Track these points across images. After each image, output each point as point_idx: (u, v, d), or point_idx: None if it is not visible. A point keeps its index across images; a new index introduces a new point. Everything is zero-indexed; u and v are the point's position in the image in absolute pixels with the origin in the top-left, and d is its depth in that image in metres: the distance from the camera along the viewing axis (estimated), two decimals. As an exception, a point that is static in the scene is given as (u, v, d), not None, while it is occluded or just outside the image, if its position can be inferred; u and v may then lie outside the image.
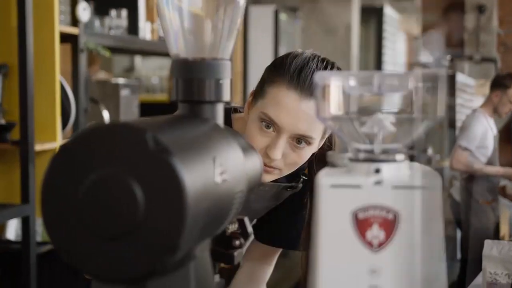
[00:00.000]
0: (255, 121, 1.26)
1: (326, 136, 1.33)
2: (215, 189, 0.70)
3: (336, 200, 0.71)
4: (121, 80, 3.19)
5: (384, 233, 0.69)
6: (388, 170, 0.71)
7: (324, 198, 0.72)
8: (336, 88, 0.74)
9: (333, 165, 0.79)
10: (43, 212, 0.67)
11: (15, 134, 2.44)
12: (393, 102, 0.76)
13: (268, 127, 1.24)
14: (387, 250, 0.69)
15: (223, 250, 0.82)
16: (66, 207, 0.65)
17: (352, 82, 0.73)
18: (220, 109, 0.85)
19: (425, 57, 5.56)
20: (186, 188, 0.63)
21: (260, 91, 1.29)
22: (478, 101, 8.45)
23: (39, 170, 2.45)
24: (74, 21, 2.70)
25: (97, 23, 2.96)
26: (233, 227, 0.86)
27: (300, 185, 1.44)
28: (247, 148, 0.89)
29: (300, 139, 1.24)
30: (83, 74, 2.72)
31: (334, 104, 0.74)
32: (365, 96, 0.75)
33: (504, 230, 4.62)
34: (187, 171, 0.64)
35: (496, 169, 4.45)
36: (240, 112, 1.45)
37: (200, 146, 0.71)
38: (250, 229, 0.86)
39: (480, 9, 9.44)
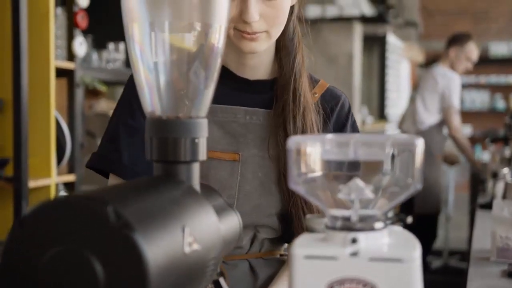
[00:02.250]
0: None
1: None
2: (184, 260, 0.67)
3: (310, 271, 0.68)
4: (119, 113, 3.16)
5: (359, 310, 0.66)
6: (366, 240, 0.68)
7: (298, 269, 0.68)
8: (310, 153, 0.71)
9: (311, 230, 0.76)
10: (1, 284, 0.64)
11: (8, 171, 2.42)
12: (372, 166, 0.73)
13: None
14: (362, 329, 0.66)
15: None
16: (25, 281, 0.62)
17: (327, 147, 0.70)
18: (196, 169, 0.82)
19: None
20: (148, 264, 0.59)
21: None
22: (404, 63, 8.51)
23: (32, 208, 2.42)
24: (71, 56, 2.69)
25: (94, 56, 2.95)
26: (207, 291, 0.83)
27: None
28: (224, 208, 0.86)
29: None
30: (79, 109, 2.70)
31: (309, 170, 0.71)
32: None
33: None
34: (151, 246, 0.61)
35: (474, 156, 4.66)
36: None
37: (168, 215, 0.68)
38: (226, 289, 0.83)
39: None
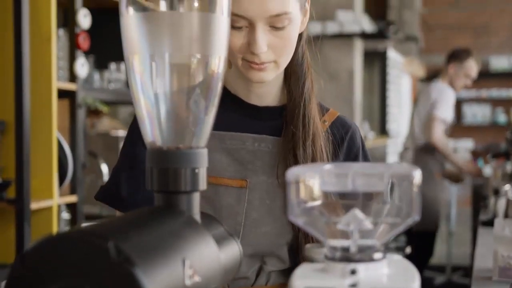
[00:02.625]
0: None
1: (306, 4, 1.22)
2: (185, 292, 0.67)
3: (310, 303, 0.68)
4: (121, 133, 3.19)
5: None
6: (365, 271, 0.69)
7: (298, 300, 0.69)
8: (309, 184, 0.71)
9: (310, 259, 0.77)
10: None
11: (10, 192, 2.43)
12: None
13: (239, 27, 1.14)
14: None
15: None
16: (26, 316, 0.63)
17: (326, 180, 0.71)
18: (196, 198, 0.82)
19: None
20: (149, 299, 0.60)
21: None
22: (405, 78, 8.53)
23: (35, 229, 2.43)
24: (73, 77, 2.70)
25: (96, 76, 2.97)
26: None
27: None
28: (224, 237, 0.86)
29: (277, 21, 1.13)
30: (81, 130, 2.72)
31: (308, 201, 0.72)
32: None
33: None
34: (152, 280, 0.62)
35: (460, 162, 4.63)
36: None
37: (169, 248, 0.69)
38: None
39: None
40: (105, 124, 3.70)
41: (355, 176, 0.70)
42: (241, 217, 1.19)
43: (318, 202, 0.72)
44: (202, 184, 0.82)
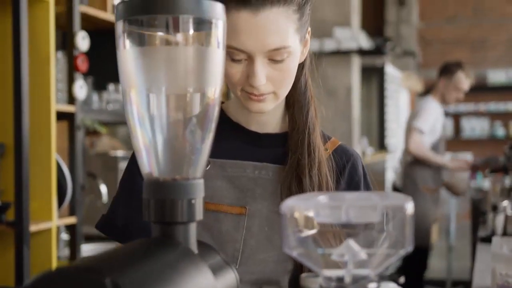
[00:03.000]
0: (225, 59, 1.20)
1: (307, 35, 1.22)
2: (182, 325, 0.68)
3: (306, 334, 0.69)
4: (120, 153, 3.20)
5: None
6: (360, 301, 0.70)
7: (294, 332, 0.70)
8: (304, 216, 0.72)
9: (306, 289, 0.78)
10: None
11: (10, 215, 2.44)
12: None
13: (239, 60, 1.14)
14: None
15: None
16: None
17: (321, 211, 0.72)
18: (193, 228, 0.84)
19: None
20: (146, 334, 0.61)
21: None
22: (404, 93, 8.55)
23: (34, 252, 2.43)
24: (71, 99, 2.72)
25: (95, 97, 2.99)
26: None
27: None
28: (221, 266, 0.87)
29: (276, 54, 1.13)
30: (79, 151, 2.73)
31: (302, 232, 0.73)
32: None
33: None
34: (149, 315, 0.63)
35: (444, 160, 4.54)
36: None
37: (165, 281, 0.70)
38: None
39: (401, 1, 9.61)
40: (104, 143, 3.72)
41: (349, 208, 0.72)
42: (239, 244, 1.19)
43: (312, 233, 0.74)
44: (199, 215, 0.83)
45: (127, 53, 0.82)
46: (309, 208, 0.72)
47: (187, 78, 0.82)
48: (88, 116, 2.80)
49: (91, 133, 3.47)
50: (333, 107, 5.45)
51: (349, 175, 1.29)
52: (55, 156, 2.56)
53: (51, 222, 2.54)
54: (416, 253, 4.38)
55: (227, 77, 1.15)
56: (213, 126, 0.86)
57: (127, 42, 0.81)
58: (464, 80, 4.49)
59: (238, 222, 1.20)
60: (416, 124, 4.33)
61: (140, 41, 0.82)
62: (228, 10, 1.11)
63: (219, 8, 0.82)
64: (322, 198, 0.74)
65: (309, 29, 1.25)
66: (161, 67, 0.82)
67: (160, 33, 0.87)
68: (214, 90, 0.84)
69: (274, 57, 1.13)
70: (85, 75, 2.84)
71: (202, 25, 0.82)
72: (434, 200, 4.50)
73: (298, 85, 1.24)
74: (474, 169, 6.69)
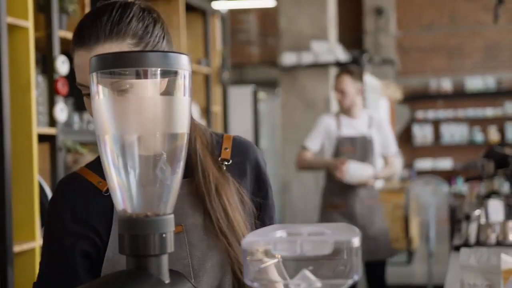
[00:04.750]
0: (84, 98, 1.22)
1: None
2: None
3: None
4: (101, 171, 3.25)
5: None
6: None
7: None
8: (262, 251, 0.80)
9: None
10: None
11: (-7, 236, 2.49)
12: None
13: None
14: None
15: None
16: None
17: (278, 246, 0.80)
18: (165, 260, 0.91)
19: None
20: None
21: None
22: (383, 101, 8.68)
23: (18, 273, 2.49)
24: (52, 121, 2.78)
25: (76, 118, 3.05)
26: None
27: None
28: (192, 292, 0.95)
29: (118, 86, 1.10)
30: (61, 172, 2.79)
31: (261, 265, 0.81)
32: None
33: None
34: None
35: (319, 160, 4.20)
36: None
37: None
38: None
39: (378, 11, 9.76)
40: (87, 159, 3.77)
41: (303, 242, 0.80)
42: (187, 259, 1.25)
43: (271, 265, 0.82)
44: (170, 247, 0.91)
45: (101, 102, 0.89)
46: (268, 244, 0.80)
47: (156, 123, 0.90)
48: (70, 137, 2.87)
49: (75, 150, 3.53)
50: (312, 118, 5.54)
51: (252, 169, 1.35)
52: (37, 177, 2.62)
53: (34, 242, 2.60)
54: (376, 265, 4.30)
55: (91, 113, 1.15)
56: (181, 164, 0.93)
57: (100, 92, 0.89)
58: (337, 80, 4.11)
59: (179, 240, 1.25)
60: (304, 140, 4.19)
61: (112, 92, 0.90)
62: (73, 49, 1.21)
63: (185, 59, 0.90)
64: (279, 234, 0.82)
65: None
66: (132, 114, 0.89)
67: (130, 84, 0.95)
68: (182, 133, 0.92)
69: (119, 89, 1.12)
70: (65, 96, 2.90)
71: (169, 75, 0.90)
72: (344, 219, 4.10)
73: None
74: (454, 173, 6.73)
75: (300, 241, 0.80)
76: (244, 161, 1.34)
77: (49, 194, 2.69)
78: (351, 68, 4.22)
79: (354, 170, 3.96)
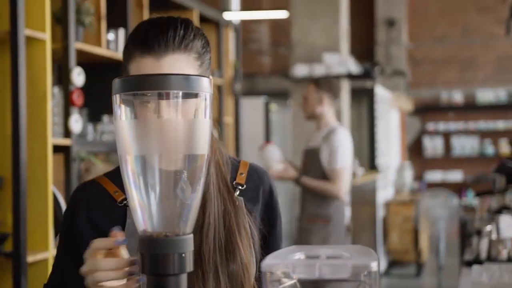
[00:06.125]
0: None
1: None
2: None
3: None
4: (114, 181, 3.27)
5: None
6: None
7: None
8: (282, 273, 0.82)
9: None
10: None
11: (8, 246, 2.51)
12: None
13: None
14: None
15: None
16: None
17: (297, 269, 0.81)
18: (184, 279, 0.93)
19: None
20: None
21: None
22: (394, 112, 8.66)
23: (31, 282, 2.51)
24: (67, 132, 2.81)
25: (90, 129, 3.08)
26: None
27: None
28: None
29: None
30: (75, 182, 2.81)
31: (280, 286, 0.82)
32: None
33: None
34: None
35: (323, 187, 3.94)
36: None
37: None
38: None
39: (390, 22, 9.74)
40: (99, 169, 3.80)
41: (322, 266, 0.81)
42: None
43: (288, 287, 0.83)
44: (189, 267, 0.92)
45: (123, 123, 0.91)
46: (287, 266, 0.82)
47: (177, 145, 0.92)
48: (84, 148, 2.89)
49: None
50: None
51: (265, 196, 1.36)
52: (51, 188, 2.64)
53: (47, 252, 2.62)
54: None
55: None
56: (201, 183, 0.95)
57: (123, 114, 0.91)
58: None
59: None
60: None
61: (135, 113, 0.92)
62: (134, 56, 1.20)
63: (206, 82, 0.92)
64: (298, 256, 0.83)
65: (211, 77, 1.33)
66: (154, 136, 0.91)
67: (152, 106, 0.96)
68: (202, 154, 0.94)
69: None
70: (80, 108, 2.93)
71: (191, 98, 0.92)
72: (326, 233, 3.91)
73: None
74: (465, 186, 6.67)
75: (318, 265, 0.81)
76: (258, 187, 1.35)
77: (63, 204, 2.71)
78: (321, 79, 4.26)
79: (267, 153, 3.88)
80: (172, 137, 0.91)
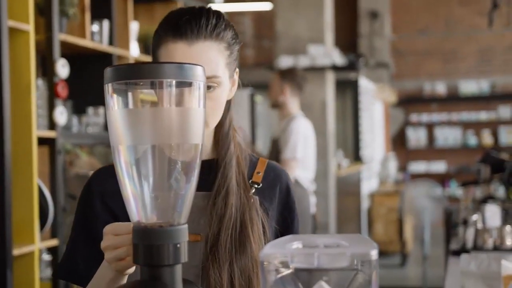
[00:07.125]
0: None
1: (235, 75, 1.30)
2: None
3: None
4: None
5: None
6: None
7: None
8: (279, 262, 0.81)
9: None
10: None
11: (-8, 240, 2.48)
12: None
13: None
14: None
15: None
16: None
17: (295, 258, 0.81)
18: (178, 270, 0.91)
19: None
20: None
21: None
22: (378, 103, 8.71)
23: (17, 275, 2.48)
24: (52, 124, 2.78)
25: (75, 121, 3.05)
26: None
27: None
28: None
29: (207, 82, 1.13)
30: (60, 175, 2.79)
31: (278, 276, 0.81)
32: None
33: None
34: None
35: None
36: None
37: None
38: None
39: (373, 15, 9.79)
40: (83, 161, 3.77)
41: (321, 254, 0.80)
42: (198, 269, 1.23)
43: (287, 277, 0.82)
44: (184, 257, 0.91)
45: (116, 113, 0.90)
46: (285, 255, 0.81)
47: (171, 134, 0.90)
48: (69, 140, 2.86)
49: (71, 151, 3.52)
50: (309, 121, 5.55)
51: (282, 195, 1.36)
52: (36, 180, 2.61)
53: (33, 245, 2.60)
54: None
55: None
56: (195, 173, 0.94)
57: (115, 103, 0.89)
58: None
59: (195, 249, 1.22)
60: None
61: (127, 103, 0.90)
62: (165, 41, 1.20)
63: (200, 70, 0.91)
64: (296, 245, 0.82)
65: (237, 70, 1.33)
66: (147, 125, 0.90)
67: (145, 95, 0.95)
68: (196, 143, 0.92)
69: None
70: (65, 100, 2.90)
71: (184, 87, 0.90)
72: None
73: (223, 125, 1.30)
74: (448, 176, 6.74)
75: (317, 254, 0.80)
76: (275, 186, 1.35)
77: (48, 197, 2.69)
78: (285, 70, 4.32)
79: None
80: (165, 127, 0.90)
